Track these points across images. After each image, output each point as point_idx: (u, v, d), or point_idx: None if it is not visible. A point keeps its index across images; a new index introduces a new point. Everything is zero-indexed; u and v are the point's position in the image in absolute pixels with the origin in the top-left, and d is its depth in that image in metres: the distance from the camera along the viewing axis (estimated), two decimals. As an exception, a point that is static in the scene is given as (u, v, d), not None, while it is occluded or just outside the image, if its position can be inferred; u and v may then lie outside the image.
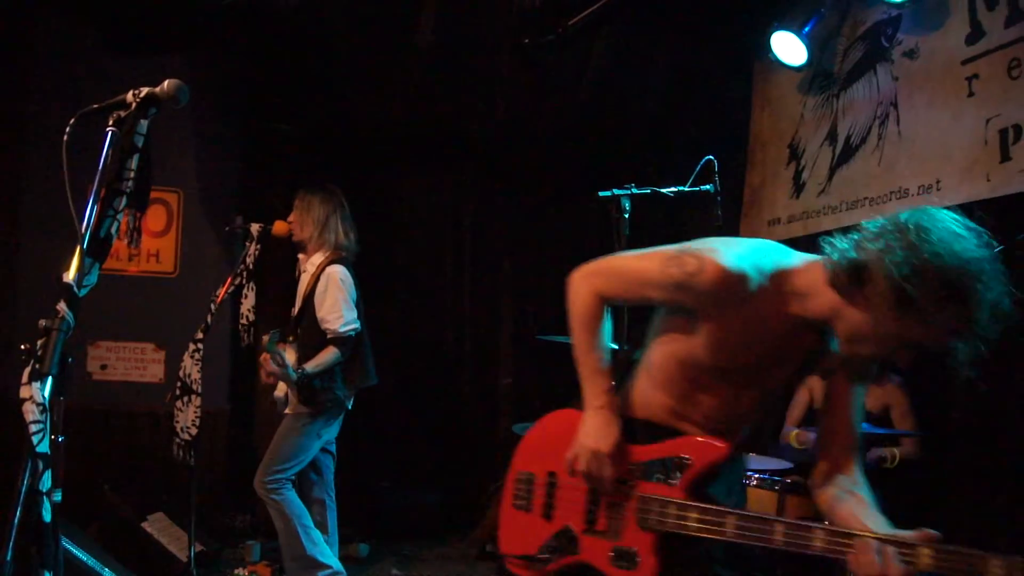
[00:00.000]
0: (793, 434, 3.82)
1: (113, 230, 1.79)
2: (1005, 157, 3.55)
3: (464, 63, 5.01)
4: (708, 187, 3.24)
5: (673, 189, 3.19)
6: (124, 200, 1.82)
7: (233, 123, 5.30)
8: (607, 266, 2.02)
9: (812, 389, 3.92)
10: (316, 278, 3.95)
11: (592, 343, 2.02)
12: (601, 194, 3.01)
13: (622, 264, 2.01)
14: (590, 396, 1.99)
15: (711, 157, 3.21)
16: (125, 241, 1.97)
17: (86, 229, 1.71)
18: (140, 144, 1.84)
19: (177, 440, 3.96)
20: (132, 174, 1.83)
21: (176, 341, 4.63)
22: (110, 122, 1.81)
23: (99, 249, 1.74)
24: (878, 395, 3.60)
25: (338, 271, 3.93)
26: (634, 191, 3.04)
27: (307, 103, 5.32)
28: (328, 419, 3.93)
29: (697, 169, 3.21)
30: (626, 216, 3.00)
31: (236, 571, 4.27)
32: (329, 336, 3.87)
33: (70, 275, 1.66)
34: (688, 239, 6.00)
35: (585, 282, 2.03)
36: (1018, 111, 3.50)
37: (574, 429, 2.00)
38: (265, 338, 3.74)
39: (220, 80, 5.24)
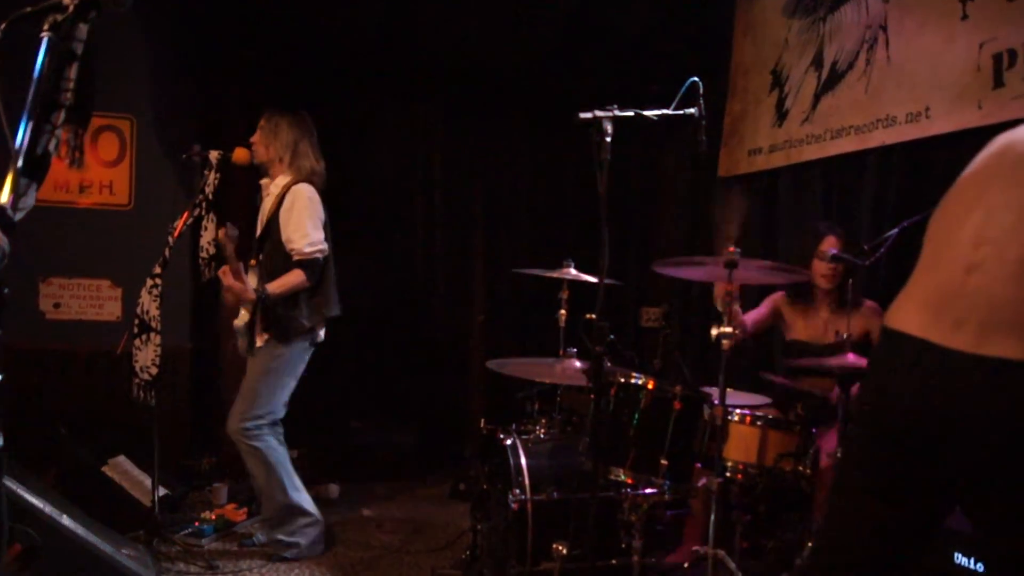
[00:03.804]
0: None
1: (51, 147, 1.60)
2: (999, 83, 3.43)
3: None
4: (692, 110, 3.09)
5: (657, 112, 3.01)
6: (63, 114, 1.63)
7: (188, 45, 4.99)
8: None
9: (784, 316, 3.81)
10: (280, 199, 3.72)
11: None
12: (581, 115, 2.83)
13: None
14: None
15: (696, 79, 3.04)
16: (67, 162, 1.78)
17: (20, 145, 1.51)
18: (79, 51, 1.65)
19: (136, 380, 3.80)
20: (71, 84, 1.64)
21: (134, 277, 4.41)
22: (45, 27, 1.61)
23: (36, 168, 1.55)
24: (856, 321, 3.52)
25: (306, 189, 3.70)
26: (617, 113, 2.87)
27: (268, 24, 5.02)
28: (300, 351, 3.75)
29: (682, 91, 3.04)
30: (608, 140, 2.83)
31: (203, 515, 4.15)
32: (295, 258, 3.65)
33: (3, 197, 1.46)
34: (668, 165, 5.81)
35: None
36: (1014, 35, 3.37)
37: None
38: (221, 232, 3.48)
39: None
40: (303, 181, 3.74)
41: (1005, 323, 1.59)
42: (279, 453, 3.72)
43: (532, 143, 5.97)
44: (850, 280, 3.34)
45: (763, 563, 3.26)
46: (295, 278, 3.63)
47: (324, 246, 3.71)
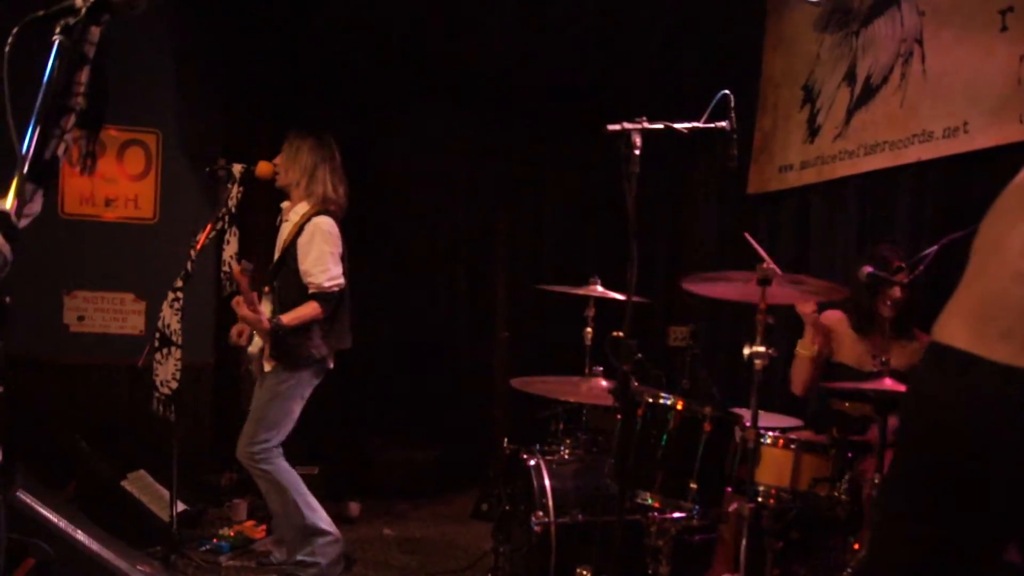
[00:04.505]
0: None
1: (60, 152, 1.56)
2: (1041, 96, 3.32)
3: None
4: (723, 124, 3.00)
5: (687, 125, 2.93)
6: (73, 119, 1.59)
7: (214, 58, 5.00)
8: None
9: (831, 338, 3.66)
10: (300, 228, 3.68)
11: None
12: (609, 127, 2.76)
13: None
14: None
15: (727, 92, 2.96)
16: (77, 168, 1.74)
17: (26, 151, 1.47)
18: (91, 55, 1.61)
19: (156, 394, 3.76)
20: (82, 89, 1.60)
21: (157, 291, 4.39)
22: (57, 30, 1.57)
23: (43, 173, 1.51)
24: (907, 352, 3.38)
25: (326, 222, 3.67)
26: (646, 126, 2.79)
27: (293, 39, 5.02)
28: (310, 377, 3.69)
29: (712, 104, 2.96)
30: (637, 152, 2.76)
31: (222, 531, 4.10)
32: (312, 291, 3.60)
33: (7, 202, 1.42)
34: (697, 181, 5.68)
35: None
36: (1057, 46, 3.27)
37: None
38: (237, 269, 3.45)
39: (201, 13, 4.92)
40: (320, 208, 3.71)
41: None
42: (291, 474, 3.67)
43: (557, 156, 5.91)
44: (888, 302, 3.21)
45: (795, 592, 3.15)
46: (311, 310, 3.59)
47: (342, 280, 3.67)
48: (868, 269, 3.34)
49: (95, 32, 1.60)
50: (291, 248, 3.69)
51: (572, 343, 3.73)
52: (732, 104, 2.96)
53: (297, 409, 3.72)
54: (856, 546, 3.15)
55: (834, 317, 3.67)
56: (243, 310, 3.54)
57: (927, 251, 3.15)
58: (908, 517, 1.70)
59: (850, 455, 3.03)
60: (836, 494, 2.91)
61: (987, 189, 3.60)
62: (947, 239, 3.10)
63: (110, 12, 1.60)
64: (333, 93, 5.24)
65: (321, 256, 3.61)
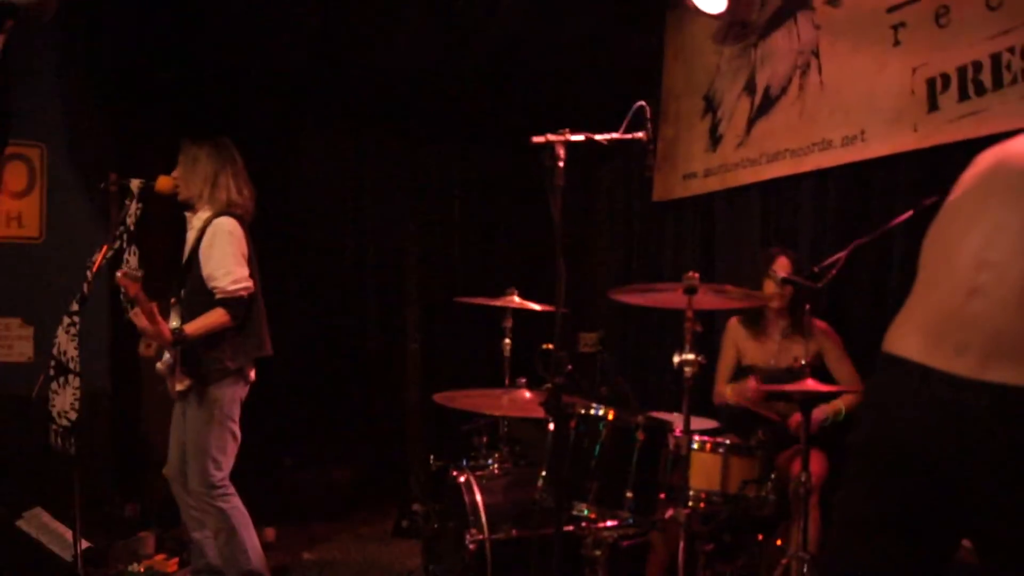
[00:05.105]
0: (729, 389, 3.71)
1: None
2: (933, 107, 3.51)
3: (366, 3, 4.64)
4: (640, 135, 3.06)
5: (607, 136, 2.97)
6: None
7: (103, 67, 4.72)
8: None
9: (738, 344, 3.81)
10: (202, 232, 3.48)
11: None
12: (534, 139, 2.77)
13: None
14: None
15: (643, 104, 3.02)
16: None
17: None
18: None
19: (54, 427, 3.50)
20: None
21: (46, 315, 4.13)
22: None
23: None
24: (809, 345, 3.50)
25: (227, 222, 3.45)
26: (570, 138, 2.80)
27: (188, 47, 4.81)
28: (234, 392, 3.48)
29: (629, 115, 3.01)
30: (561, 165, 2.77)
31: (131, 567, 3.87)
32: (218, 296, 3.38)
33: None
34: (602, 190, 5.76)
35: None
36: (946, 60, 3.45)
37: None
38: (119, 274, 3.14)
39: (90, 19, 4.64)
40: (224, 213, 3.54)
41: (1009, 349, 1.56)
42: (244, 515, 3.48)
43: (468, 167, 5.90)
44: (807, 305, 3.31)
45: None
46: (217, 318, 3.37)
47: (249, 283, 3.46)
48: (783, 274, 3.47)
49: (-2, 40, 1.47)
50: (194, 255, 3.48)
51: (485, 354, 3.69)
52: (648, 115, 3.00)
53: (236, 427, 3.52)
54: (779, 542, 3.26)
55: (732, 324, 3.83)
56: (141, 321, 3.30)
57: (837, 256, 3.27)
58: (869, 527, 1.73)
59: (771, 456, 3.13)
60: (764, 494, 2.98)
61: (885, 195, 3.81)
62: (855, 244, 3.25)
63: (14, 19, 1.47)
64: (232, 102, 5.04)
65: (223, 258, 3.40)
